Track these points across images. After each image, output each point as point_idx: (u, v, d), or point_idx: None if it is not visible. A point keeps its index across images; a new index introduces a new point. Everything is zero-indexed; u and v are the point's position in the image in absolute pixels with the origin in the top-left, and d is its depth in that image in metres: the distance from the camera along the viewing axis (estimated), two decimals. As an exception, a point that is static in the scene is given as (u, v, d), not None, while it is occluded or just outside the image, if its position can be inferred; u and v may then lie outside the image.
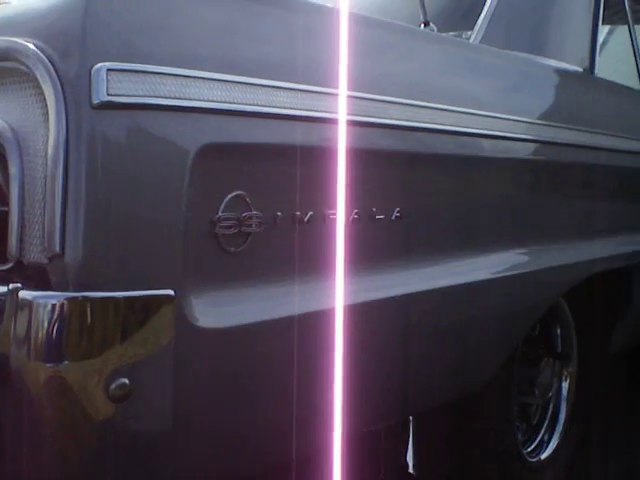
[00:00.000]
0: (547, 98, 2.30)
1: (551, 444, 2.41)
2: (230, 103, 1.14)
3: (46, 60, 1.03)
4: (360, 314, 1.38)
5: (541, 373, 2.36)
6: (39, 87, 1.04)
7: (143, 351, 1.02)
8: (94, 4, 1.04)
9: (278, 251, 1.25)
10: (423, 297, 1.59)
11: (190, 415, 1.10)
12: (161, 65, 1.07)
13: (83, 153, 1.00)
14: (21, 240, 1.04)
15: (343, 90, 1.30)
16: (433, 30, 1.92)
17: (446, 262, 1.68)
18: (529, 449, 2.35)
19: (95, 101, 1.01)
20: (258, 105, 1.18)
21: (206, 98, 1.11)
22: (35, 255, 1.04)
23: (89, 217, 1.00)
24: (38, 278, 1.03)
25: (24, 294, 1.00)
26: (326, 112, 1.28)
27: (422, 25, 1.92)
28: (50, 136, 1.02)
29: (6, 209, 1.08)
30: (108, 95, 1.01)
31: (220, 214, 1.15)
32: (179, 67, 1.09)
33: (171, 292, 1.05)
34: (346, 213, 1.36)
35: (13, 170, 1.05)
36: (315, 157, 1.29)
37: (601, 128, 2.41)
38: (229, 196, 1.16)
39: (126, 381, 1.00)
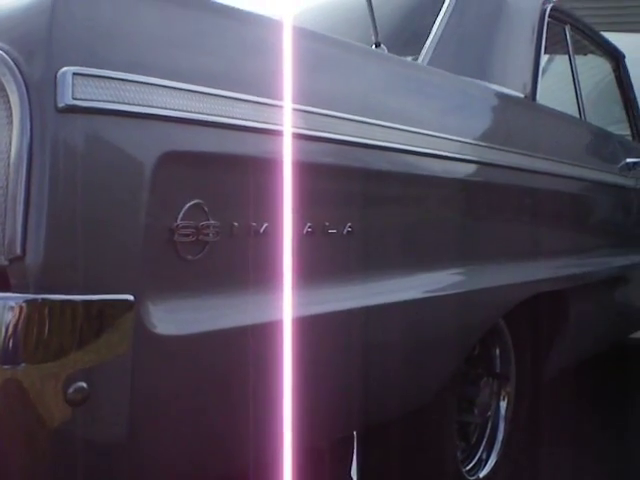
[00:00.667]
0: (489, 121, 2.36)
1: (489, 462, 2.44)
2: (191, 112, 1.15)
3: (11, 62, 1.03)
4: (307, 327, 1.39)
5: (480, 392, 2.40)
6: (2, 89, 1.04)
7: (101, 356, 1.02)
8: (60, 7, 1.04)
9: (234, 261, 1.26)
10: (364, 313, 1.61)
11: (146, 421, 1.10)
12: (124, 72, 1.08)
13: (47, 156, 1.00)
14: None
15: (288, 103, 1.32)
16: (383, 51, 1.96)
17: (391, 279, 1.71)
18: (468, 467, 2.39)
19: (60, 104, 1.01)
20: (217, 115, 1.19)
21: (168, 106, 1.11)
22: (-5, 258, 1.03)
23: (50, 221, 1.00)
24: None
25: (-18, 296, 0.99)
26: (280, 125, 1.30)
27: (373, 46, 1.95)
28: (13, 138, 1.01)
29: None
30: (73, 99, 1.02)
31: (179, 222, 1.16)
32: (142, 74, 1.10)
33: (130, 297, 1.05)
34: (298, 226, 1.38)
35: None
36: (270, 169, 1.30)
37: (541, 152, 2.48)
38: (188, 204, 1.17)
39: (84, 385, 1.00)
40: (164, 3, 1.18)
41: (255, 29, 1.35)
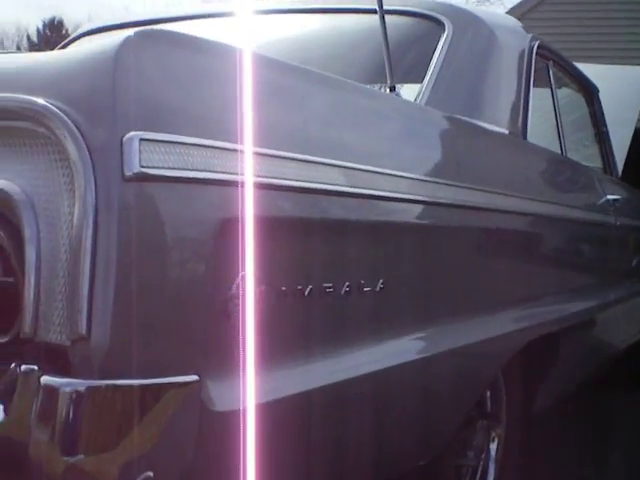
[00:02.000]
0: (477, 163, 2.26)
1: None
2: (258, 176, 1.10)
3: (71, 124, 0.96)
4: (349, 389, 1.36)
5: (475, 435, 2.37)
6: (63, 152, 0.97)
7: (168, 441, 0.96)
8: (124, 66, 0.99)
9: (284, 327, 1.21)
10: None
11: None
12: (190, 135, 1.02)
13: (114, 228, 0.94)
14: (35, 316, 0.96)
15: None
16: (398, 95, 1.92)
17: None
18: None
19: (127, 173, 0.95)
20: (287, 179, 1.15)
21: (236, 171, 1.06)
22: (53, 335, 0.95)
23: (119, 296, 0.93)
24: (54, 359, 0.95)
25: (47, 380, 0.92)
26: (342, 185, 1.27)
27: (388, 90, 1.92)
28: (76, 207, 0.95)
29: (11, 280, 1.00)
30: (141, 167, 0.96)
31: (233, 291, 1.10)
32: (207, 137, 1.04)
33: (195, 377, 0.99)
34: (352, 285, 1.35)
35: (28, 233, 0.97)
36: (324, 231, 1.27)
37: (532, 194, 2.47)
38: (243, 272, 1.12)
39: (151, 474, 0.93)
40: (225, 64, 1.12)
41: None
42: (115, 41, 1.00)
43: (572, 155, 3.33)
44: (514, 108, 2.74)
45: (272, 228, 1.16)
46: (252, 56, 1.16)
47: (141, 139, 0.96)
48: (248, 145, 1.06)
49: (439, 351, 1.71)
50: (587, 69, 3.99)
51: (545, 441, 3.40)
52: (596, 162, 4.00)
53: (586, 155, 3.99)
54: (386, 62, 1.86)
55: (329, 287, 1.31)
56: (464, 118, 2.24)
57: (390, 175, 1.47)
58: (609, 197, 3.30)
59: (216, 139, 1.04)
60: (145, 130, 0.97)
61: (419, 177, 1.64)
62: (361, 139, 1.49)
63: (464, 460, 2.35)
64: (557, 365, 2.72)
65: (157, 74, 1.02)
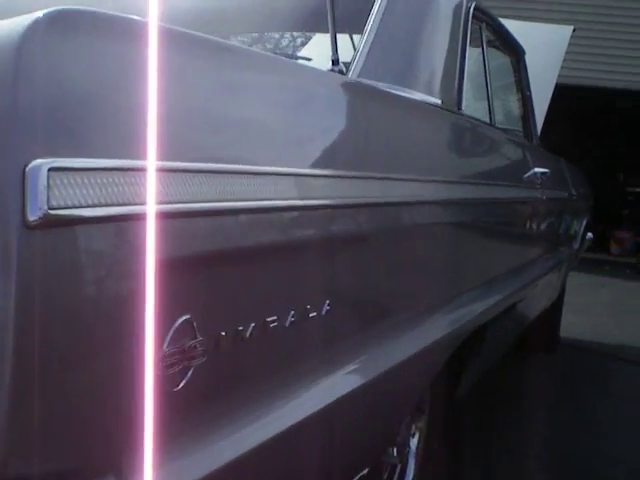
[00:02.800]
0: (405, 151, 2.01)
1: (401, 503, 2.30)
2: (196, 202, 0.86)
3: None
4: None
5: (399, 433, 2.23)
6: None
7: None
8: (30, 64, 0.73)
9: (222, 378, 1.00)
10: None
11: None
12: (118, 157, 0.77)
13: (13, 288, 0.69)
14: None
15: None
16: (342, 72, 1.69)
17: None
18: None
19: (31, 218, 0.70)
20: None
21: (172, 199, 0.83)
22: None
23: (16, 380, 0.69)
24: None
25: None
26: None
27: (331, 63, 1.68)
28: None
29: None
30: (49, 209, 0.71)
31: (165, 348, 0.88)
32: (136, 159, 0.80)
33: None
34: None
35: None
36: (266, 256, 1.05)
37: (463, 178, 2.29)
38: (177, 323, 0.89)
39: None
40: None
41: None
42: (16, 26, 0.74)
43: (499, 122, 3.18)
44: (449, 76, 2.54)
45: (209, 262, 0.94)
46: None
47: (50, 169, 0.71)
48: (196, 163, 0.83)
49: (379, 372, 1.52)
50: (509, 26, 3.82)
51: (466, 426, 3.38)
52: (518, 127, 3.87)
53: (510, 121, 3.86)
54: (330, 34, 1.62)
55: (273, 321, 1.10)
56: (393, 91, 2.01)
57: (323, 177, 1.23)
58: (536, 170, 3.17)
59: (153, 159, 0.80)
60: (57, 155, 0.72)
61: (349, 175, 1.37)
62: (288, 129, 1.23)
63: (387, 458, 2.21)
64: (482, 353, 2.62)
65: (80, 73, 0.76)
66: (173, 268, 0.86)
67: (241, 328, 1.02)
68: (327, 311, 1.26)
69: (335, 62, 1.68)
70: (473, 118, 2.65)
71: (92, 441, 0.77)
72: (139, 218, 0.79)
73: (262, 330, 1.06)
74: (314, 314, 1.22)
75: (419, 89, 2.28)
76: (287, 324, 1.13)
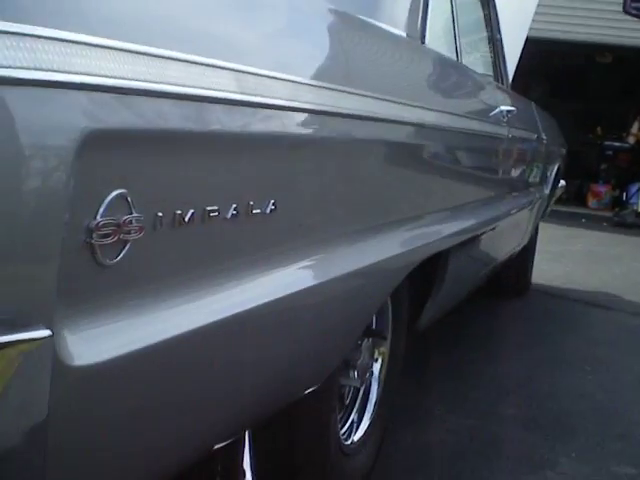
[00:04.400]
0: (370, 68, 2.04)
1: (362, 425, 2.35)
2: (126, 79, 0.89)
3: None
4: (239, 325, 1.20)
5: (359, 355, 2.28)
6: None
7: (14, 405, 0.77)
8: None
9: (160, 259, 1.03)
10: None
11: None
12: (43, 26, 0.80)
13: None
14: None
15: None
16: None
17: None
18: (342, 430, 2.28)
19: None
20: (168, 83, 0.95)
21: (97, 72, 0.85)
22: None
23: None
24: None
25: None
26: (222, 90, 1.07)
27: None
28: None
29: None
30: None
31: (99, 219, 0.91)
32: (63, 29, 0.82)
33: (47, 332, 0.80)
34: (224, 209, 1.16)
35: None
36: (206, 144, 1.07)
37: (424, 103, 2.29)
38: (110, 196, 0.92)
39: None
40: None
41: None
42: None
43: (466, 61, 3.19)
44: (414, 8, 2.55)
45: (148, 141, 0.96)
46: None
47: None
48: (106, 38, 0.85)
49: (329, 277, 1.56)
50: None
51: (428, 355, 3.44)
52: (488, 70, 3.89)
53: (479, 62, 3.87)
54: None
55: (213, 211, 1.13)
56: (359, 16, 2.02)
57: (274, 79, 1.26)
58: (502, 108, 3.20)
59: (72, 31, 0.82)
60: None
61: (303, 81, 1.41)
62: (247, 36, 1.26)
63: (347, 381, 2.26)
64: (445, 282, 2.65)
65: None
66: (105, 141, 0.88)
67: (180, 212, 1.05)
68: (271, 210, 1.29)
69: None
70: (438, 52, 2.67)
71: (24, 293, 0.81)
72: (68, 86, 0.82)
73: (201, 218, 1.09)
74: (257, 211, 1.25)
75: (384, 20, 2.29)
76: (228, 216, 1.16)
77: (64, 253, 0.85)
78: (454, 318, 3.50)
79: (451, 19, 3.14)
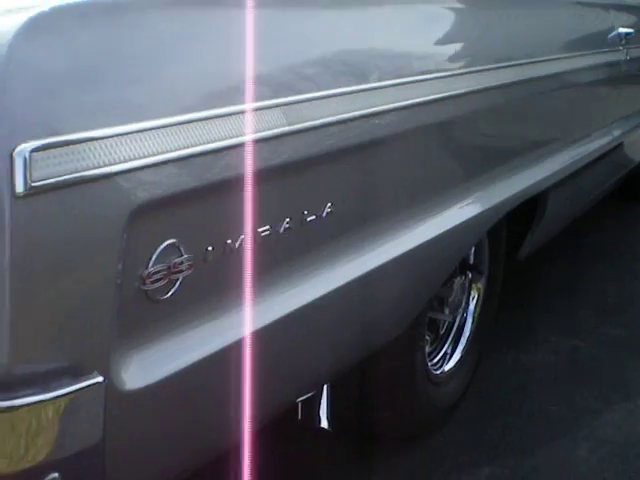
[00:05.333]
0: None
1: (454, 357, 2.51)
2: (157, 155, 1.05)
3: None
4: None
5: (453, 292, 2.42)
6: None
7: (75, 445, 0.99)
8: (20, 62, 0.92)
9: (211, 285, 1.22)
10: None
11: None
12: (77, 132, 0.96)
13: (7, 248, 0.91)
14: None
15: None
16: None
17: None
18: (434, 360, 2.45)
19: (19, 190, 0.91)
20: (188, 147, 1.10)
21: (132, 157, 1.02)
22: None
23: (15, 313, 0.93)
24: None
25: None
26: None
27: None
28: None
29: None
30: (32, 182, 0.92)
31: (150, 269, 1.10)
32: (105, 126, 0.99)
33: (100, 379, 1.01)
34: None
35: None
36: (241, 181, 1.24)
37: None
38: (160, 247, 1.11)
39: (56, 475, 0.98)
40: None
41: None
42: (7, 26, 0.93)
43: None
44: None
45: (185, 197, 1.14)
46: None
47: (32, 150, 0.91)
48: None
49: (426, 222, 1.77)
50: None
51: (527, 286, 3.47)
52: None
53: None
54: None
55: (265, 231, 1.30)
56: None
57: None
58: (620, 31, 3.12)
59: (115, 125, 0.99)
60: (39, 138, 0.92)
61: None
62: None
63: (438, 315, 2.41)
64: (545, 214, 2.70)
65: (61, 66, 0.95)
66: (146, 208, 1.06)
67: (229, 241, 1.23)
68: (329, 211, 1.46)
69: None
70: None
71: (81, 342, 1.02)
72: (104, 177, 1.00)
73: (252, 240, 1.27)
74: (313, 217, 1.41)
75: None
76: (281, 230, 1.34)
77: (120, 300, 1.05)
78: (574, 225, 3.50)
79: None
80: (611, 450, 2.43)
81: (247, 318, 1.28)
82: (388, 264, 1.69)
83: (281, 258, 1.38)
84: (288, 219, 1.35)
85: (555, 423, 2.54)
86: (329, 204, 1.45)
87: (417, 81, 1.72)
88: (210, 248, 1.19)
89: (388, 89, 1.59)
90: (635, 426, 2.57)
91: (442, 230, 1.91)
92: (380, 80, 1.57)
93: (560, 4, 2.86)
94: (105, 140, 0.98)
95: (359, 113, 1.46)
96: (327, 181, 1.45)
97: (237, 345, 1.25)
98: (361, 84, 1.51)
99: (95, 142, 0.97)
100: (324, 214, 1.44)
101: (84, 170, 0.95)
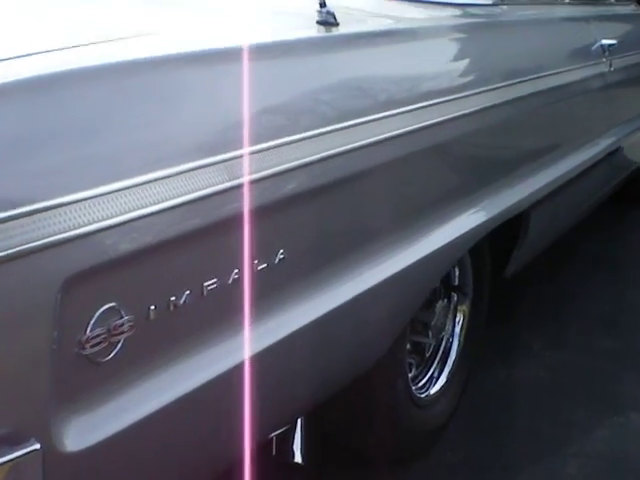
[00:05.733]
0: None
1: (440, 380, 2.53)
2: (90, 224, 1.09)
3: None
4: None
5: (435, 315, 2.44)
6: None
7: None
8: None
9: (155, 343, 1.26)
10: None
11: None
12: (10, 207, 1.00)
13: None
14: None
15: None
16: (329, 12, 1.80)
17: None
18: (419, 384, 2.47)
19: None
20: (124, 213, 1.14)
21: (65, 228, 1.06)
22: None
23: None
24: None
25: None
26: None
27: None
28: None
29: None
30: None
31: (89, 334, 1.14)
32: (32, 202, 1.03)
33: (37, 446, 1.05)
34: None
35: None
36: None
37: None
38: (98, 312, 1.15)
39: None
40: None
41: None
42: None
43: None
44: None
45: (121, 263, 1.17)
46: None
47: None
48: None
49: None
50: None
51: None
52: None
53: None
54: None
55: (211, 284, 1.34)
56: None
57: None
58: (603, 42, 3.14)
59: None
60: None
61: None
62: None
63: (422, 339, 2.44)
64: (529, 233, 2.70)
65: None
66: (79, 277, 1.10)
67: (174, 298, 1.27)
68: (281, 259, 1.49)
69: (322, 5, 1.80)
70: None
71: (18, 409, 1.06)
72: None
73: (199, 294, 1.31)
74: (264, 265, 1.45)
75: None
76: (230, 281, 1.37)
77: (58, 366, 1.09)
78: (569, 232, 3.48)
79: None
80: (600, 466, 2.45)
81: (198, 370, 1.31)
82: (361, 295, 1.73)
83: (233, 307, 1.41)
84: (236, 270, 1.38)
85: (545, 440, 2.55)
86: (281, 250, 1.48)
87: (382, 117, 1.76)
88: (153, 307, 1.23)
89: (347, 129, 1.63)
90: (625, 441, 2.58)
91: (417, 258, 1.94)
92: (336, 122, 1.61)
93: (539, 22, 2.88)
94: (33, 215, 1.02)
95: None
96: (279, 229, 1.48)
97: (186, 398, 1.29)
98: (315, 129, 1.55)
99: (23, 218, 1.01)
100: (276, 261, 1.47)
101: (14, 247, 0.99)
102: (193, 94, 1.34)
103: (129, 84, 1.23)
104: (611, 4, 3.90)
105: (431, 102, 1.96)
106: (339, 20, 1.79)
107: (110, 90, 1.20)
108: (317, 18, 1.79)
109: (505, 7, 2.73)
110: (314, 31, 1.77)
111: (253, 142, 1.35)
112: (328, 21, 1.79)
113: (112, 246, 1.13)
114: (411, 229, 1.96)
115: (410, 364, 2.43)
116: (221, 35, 1.55)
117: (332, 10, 1.79)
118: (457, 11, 2.46)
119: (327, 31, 1.78)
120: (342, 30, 1.79)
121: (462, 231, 2.15)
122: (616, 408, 2.74)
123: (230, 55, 1.45)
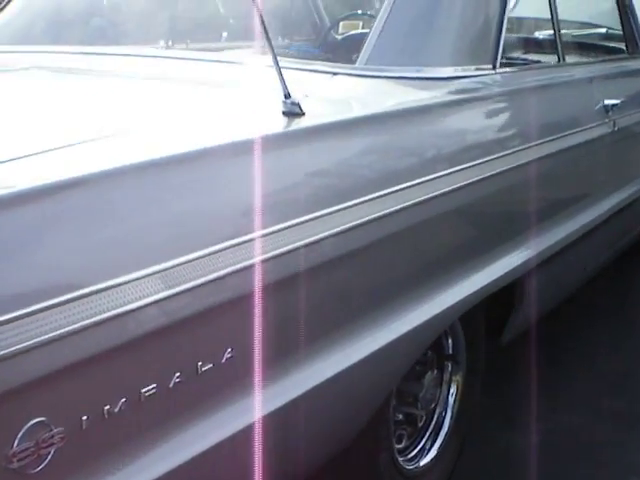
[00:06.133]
0: None
1: (432, 452, 2.52)
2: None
3: None
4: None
5: (424, 387, 2.44)
6: None
7: None
8: None
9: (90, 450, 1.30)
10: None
11: None
12: None
13: None
14: None
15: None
16: (294, 103, 1.84)
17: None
18: (409, 456, 2.47)
19: None
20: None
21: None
22: None
23: None
24: None
25: None
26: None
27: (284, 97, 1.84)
28: None
29: None
30: None
31: (15, 449, 1.18)
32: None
33: None
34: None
35: None
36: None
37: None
38: (25, 427, 1.19)
39: None
40: None
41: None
42: None
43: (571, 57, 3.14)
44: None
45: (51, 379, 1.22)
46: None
47: None
48: None
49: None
50: None
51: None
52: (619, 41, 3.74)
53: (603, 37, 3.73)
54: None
55: (149, 390, 1.38)
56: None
57: None
58: (606, 103, 3.13)
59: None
60: None
61: None
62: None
63: (412, 410, 2.44)
64: (524, 300, 2.69)
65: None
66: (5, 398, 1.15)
67: (108, 407, 1.31)
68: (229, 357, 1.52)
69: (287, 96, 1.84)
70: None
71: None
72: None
73: (137, 400, 1.35)
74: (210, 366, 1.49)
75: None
76: (171, 385, 1.41)
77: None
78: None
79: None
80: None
81: (136, 475, 1.35)
82: (340, 373, 1.78)
83: (183, 407, 1.45)
84: (179, 373, 1.42)
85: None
86: (229, 349, 1.52)
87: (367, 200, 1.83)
88: (85, 417, 1.27)
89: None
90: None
91: (397, 335, 1.97)
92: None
93: (537, 88, 2.89)
94: None
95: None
96: (227, 329, 1.52)
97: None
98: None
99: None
100: (223, 360, 1.51)
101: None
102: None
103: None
104: (619, 59, 3.89)
105: (420, 180, 2.02)
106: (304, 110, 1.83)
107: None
108: (282, 109, 1.83)
109: (501, 75, 2.73)
110: (280, 125, 1.82)
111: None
112: (293, 111, 1.84)
113: (36, 365, 1.18)
114: (390, 307, 1.98)
115: (401, 435, 2.43)
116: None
117: (297, 100, 1.83)
118: (451, 86, 2.46)
119: (293, 122, 1.83)
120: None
121: (443, 307, 2.16)
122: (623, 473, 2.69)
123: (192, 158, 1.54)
